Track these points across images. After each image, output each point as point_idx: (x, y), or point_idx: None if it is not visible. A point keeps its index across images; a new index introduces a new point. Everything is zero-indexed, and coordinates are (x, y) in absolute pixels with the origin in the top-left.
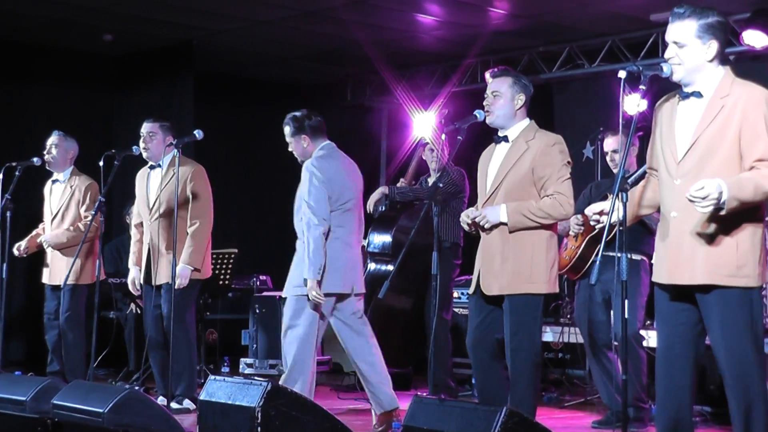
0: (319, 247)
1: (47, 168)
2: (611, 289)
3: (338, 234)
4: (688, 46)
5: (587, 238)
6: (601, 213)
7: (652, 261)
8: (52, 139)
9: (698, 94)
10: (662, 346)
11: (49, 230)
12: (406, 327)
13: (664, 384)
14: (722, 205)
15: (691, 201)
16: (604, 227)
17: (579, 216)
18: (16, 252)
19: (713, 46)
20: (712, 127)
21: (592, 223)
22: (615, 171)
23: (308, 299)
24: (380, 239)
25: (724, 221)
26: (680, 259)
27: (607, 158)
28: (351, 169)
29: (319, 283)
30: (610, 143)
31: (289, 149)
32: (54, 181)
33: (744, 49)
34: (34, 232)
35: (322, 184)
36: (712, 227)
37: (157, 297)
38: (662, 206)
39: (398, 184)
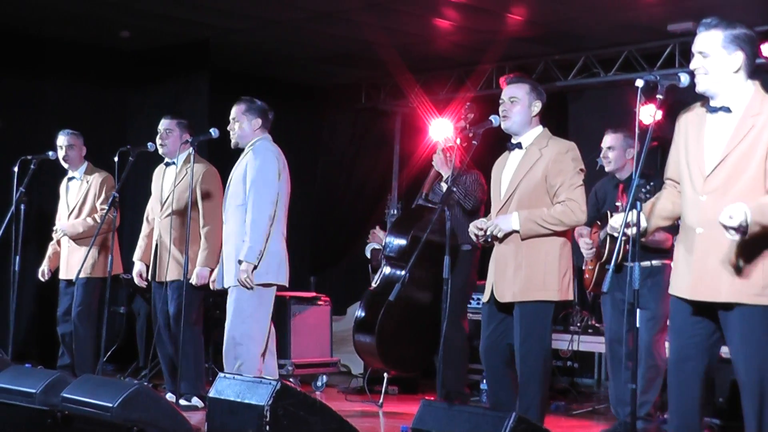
0: (265, 233)
1: (65, 168)
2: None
3: (280, 228)
4: (712, 56)
5: (597, 266)
6: (627, 225)
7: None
8: (65, 140)
9: (727, 110)
10: (675, 358)
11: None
12: (421, 331)
13: (676, 396)
14: (746, 230)
15: (724, 228)
16: (611, 252)
17: (587, 239)
18: (42, 278)
19: (739, 56)
20: (741, 146)
21: (615, 234)
22: (607, 168)
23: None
24: (397, 242)
25: (750, 240)
26: (705, 276)
27: (602, 154)
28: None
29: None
30: (606, 140)
31: (230, 127)
32: (70, 179)
33: (763, 62)
34: (50, 250)
35: (277, 172)
36: (739, 246)
37: (165, 294)
38: (685, 221)
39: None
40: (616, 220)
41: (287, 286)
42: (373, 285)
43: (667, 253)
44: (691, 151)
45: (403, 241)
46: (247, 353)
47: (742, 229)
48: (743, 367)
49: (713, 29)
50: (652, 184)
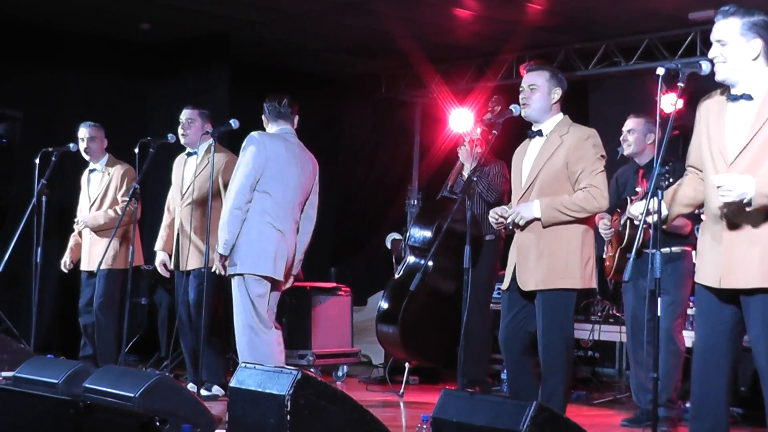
0: (232, 222)
1: (87, 159)
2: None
3: (266, 219)
4: (730, 44)
5: (618, 251)
6: (648, 213)
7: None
8: (86, 132)
9: (748, 97)
10: (701, 346)
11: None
12: (445, 321)
13: (700, 384)
14: (750, 201)
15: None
16: (633, 239)
17: (606, 221)
18: (64, 269)
19: (757, 44)
20: (763, 131)
21: (636, 223)
22: (626, 152)
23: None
24: (422, 233)
25: None
26: (733, 263)
27: (621, 137)
28: (302, 159)
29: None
30: (628, 124)
31: None
32: (91, 171)
33: None
34: (72, 242)
35: (255, 156)
36: (764, 231)
37: (186, 283)
38: (709, 208)
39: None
40: (636, 208)
41: (276, 278)
42: (397, 275)
43: (686, 238)
44: (714, 139)
45: (428, 233)
46: (250, 342)
47: (740, 198)
48: (764, 354)
49: (731, 17)
50: (671, 164)
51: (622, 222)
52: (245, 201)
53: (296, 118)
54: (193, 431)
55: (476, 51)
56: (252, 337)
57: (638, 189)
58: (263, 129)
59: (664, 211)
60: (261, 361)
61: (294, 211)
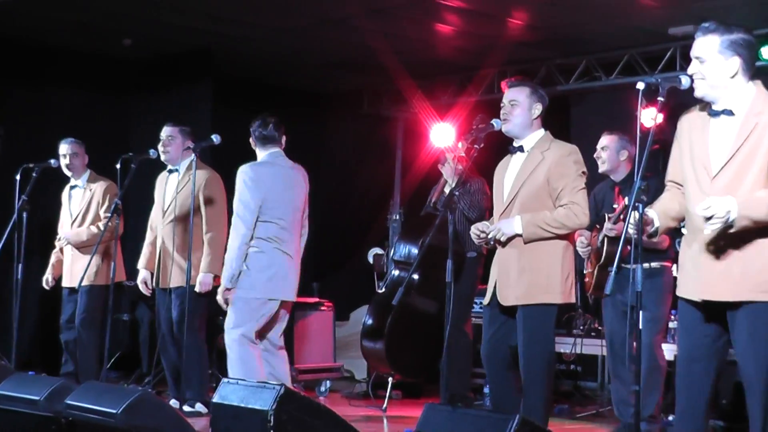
0: (240, 258)
1: (68, 175)
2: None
3: (271, 245)
4: (709, 62)
5: (597, 267)
6: (637, 225)
7: (675, 273)
8: (68, 149)
9: (729, 113)
10: (684, 358)
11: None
12: (428, 337)
13: (684, 397)
14: (732, 223)
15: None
16: (611, 255)
17: (583, 239)
18: (46, 286)
19: (735, 62)
20: (746, 146)
21: (611, 235)
22: (600, 169)
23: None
24: (406, 249)
25: (758, 237)
26: (714, 276)
27: (595, 154)
28: (294, 179)
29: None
30: (601, 141)
31: None
32: (72, 187)
33: (763, 65)
34: (53, 258)
35: (252, 191)
36: (747, 244)
37: (169, 300)
38: (692, 221)
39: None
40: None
41: (292, 300)
42: (379, 290)
43: (665, 253)
44: (696, 153)
45: (412, 248)
46: (238, 356)
47: (725, 223)
48: (752, 365)
49: (710, 34)
50: (646, 181)
51: (600, 239)
52: (250, 237)
53: (284, 139)
54: None
55: (458, 66)
56: (239, 351)
57: (615, 206)
58: (248, 145)
59: (657, 223)
60: (248, 375)
61: (296, 231)
